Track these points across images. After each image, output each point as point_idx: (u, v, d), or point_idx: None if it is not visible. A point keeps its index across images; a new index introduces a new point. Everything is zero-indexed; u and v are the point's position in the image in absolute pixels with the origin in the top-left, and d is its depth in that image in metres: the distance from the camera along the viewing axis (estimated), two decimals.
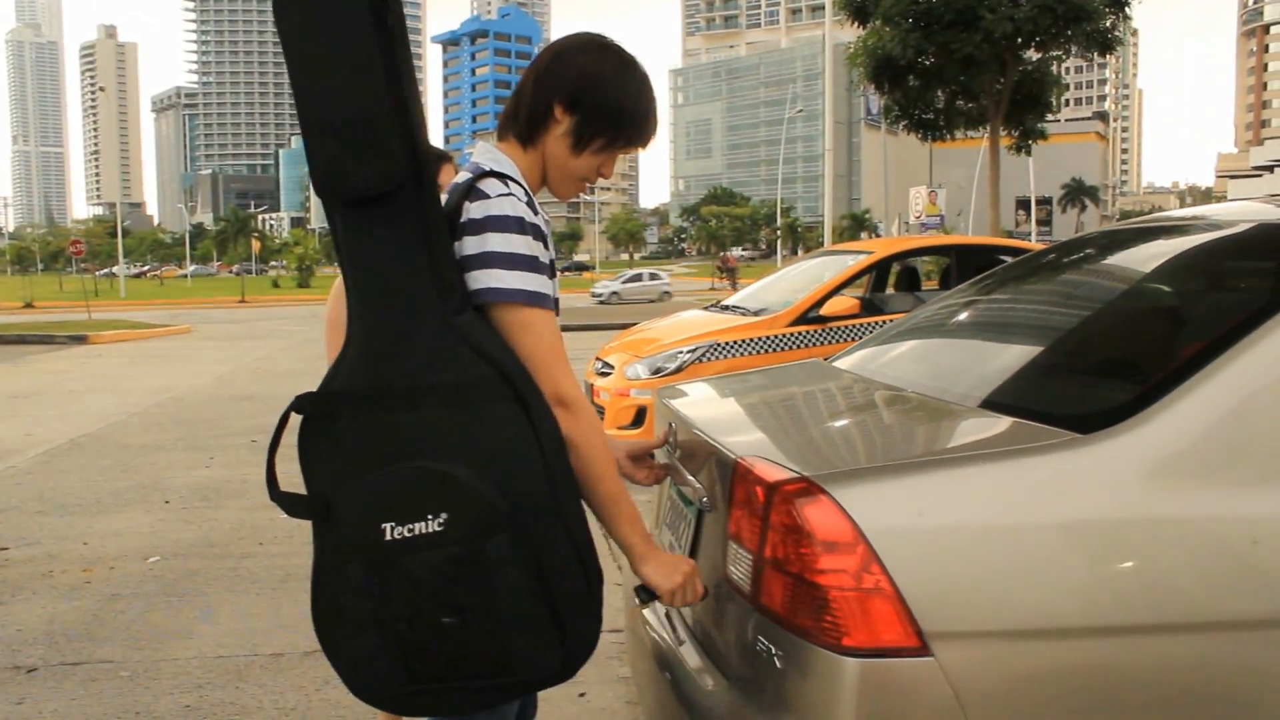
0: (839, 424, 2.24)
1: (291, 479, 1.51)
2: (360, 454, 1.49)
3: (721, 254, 69.93)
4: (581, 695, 3.36)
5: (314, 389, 1.55)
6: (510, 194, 1.59)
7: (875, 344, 2.80)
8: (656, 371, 6.78)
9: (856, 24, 20.22)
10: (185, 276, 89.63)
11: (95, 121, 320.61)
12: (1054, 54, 20.24)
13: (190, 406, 10.82)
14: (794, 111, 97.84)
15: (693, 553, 2.02)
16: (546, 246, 1.63)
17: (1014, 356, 2.28)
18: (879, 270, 8.51)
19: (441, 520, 1.45)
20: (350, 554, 1.49)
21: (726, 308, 8.07)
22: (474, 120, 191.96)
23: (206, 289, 61.10)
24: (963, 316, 2.81)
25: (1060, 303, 2.54)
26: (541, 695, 1.85)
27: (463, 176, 1.66)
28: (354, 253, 1.53)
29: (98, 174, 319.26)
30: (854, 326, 6.88)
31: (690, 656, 1.90)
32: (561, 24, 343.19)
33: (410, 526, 1.45)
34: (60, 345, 19.85)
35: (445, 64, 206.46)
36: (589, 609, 1.56)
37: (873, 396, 2.30)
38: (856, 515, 1.50)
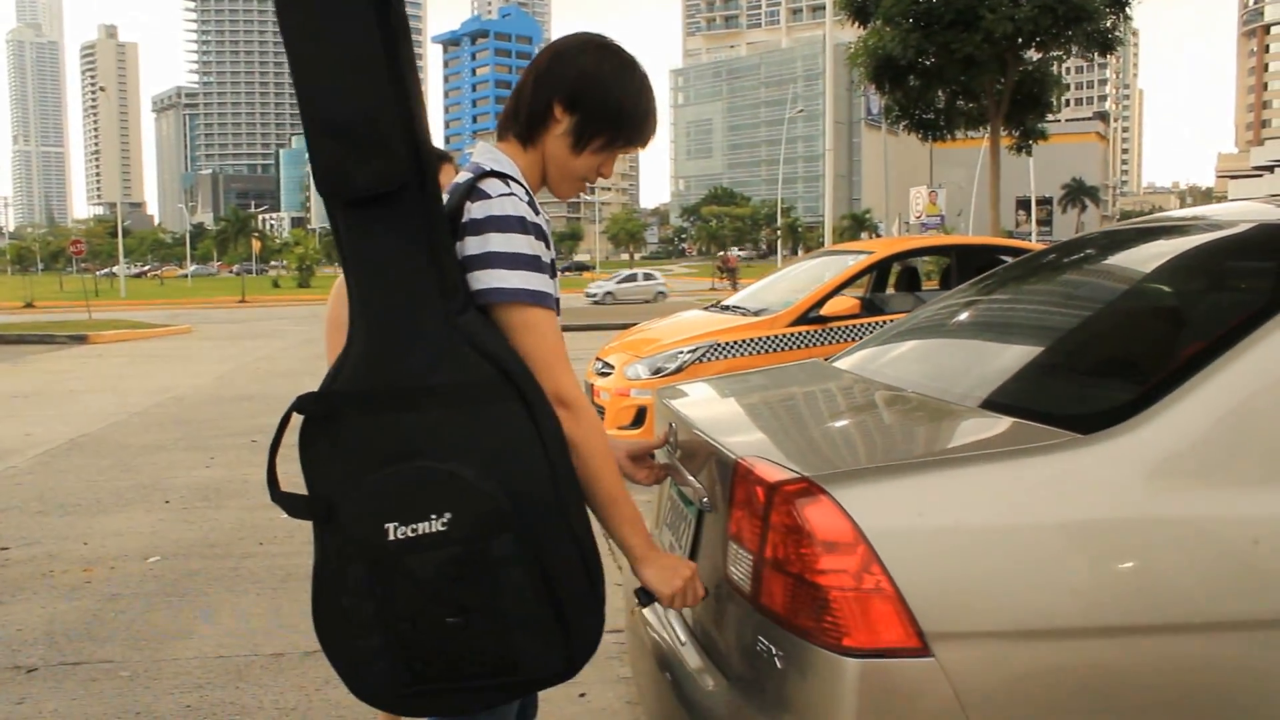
0: (839, 424, 2.24)
1: (292, 479, 1.51)
2: (362, 454, 1.49)
3: (722, 254, 69.95)
4: (582, 695, 3.36)
5: (315, 389, 1.55)
6: (512, 194, 1.59)
7: (876, 344, 2.80)
8: (657, 372, 6.77)
9: (857, 24, 20.24)
10: (186, 276, 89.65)
11: (96, 121, 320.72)
12: (1054, 54, 20.25)
13: (191, 406, 10.82)
14: (794, 111, 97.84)
15: (693, 553, 2.02)
16: (548, 246, 1.63)
17: (1014, 357, 2.28)
18: (879, 270, 8.50)
19: (445, 520, 1.45)
20: (353, 555, 1.48)
21: (727, 308, 8.07)
22: (474, 120, 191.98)
23: (207, 289, 61.12)
24: (963, 317, 2.81)
25: (1061, 303, 2.53)
26: (542, 695, 1.85)
27: (463, 176, 1.66)
28: (356, 252, 1.53)
29: (98, 174, 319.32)
30: (854, 327, 6.87)
31: (691, 657, 1.90)
32: (562, 24, 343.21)
33: (414, 526, 1.45)
34: (60, 345, 19.85)
35: (446, 64, 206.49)
36: (592, 608, 1.56)
37: (873, 397, 2.29)
38: (857, 515, 1.50)
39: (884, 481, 1.58)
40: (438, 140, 1.61)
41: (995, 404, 1.90)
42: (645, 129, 1.74)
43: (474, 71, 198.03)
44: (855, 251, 8.16)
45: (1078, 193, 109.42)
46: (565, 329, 1.65)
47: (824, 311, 6.94)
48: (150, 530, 5.68)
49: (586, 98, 1.67)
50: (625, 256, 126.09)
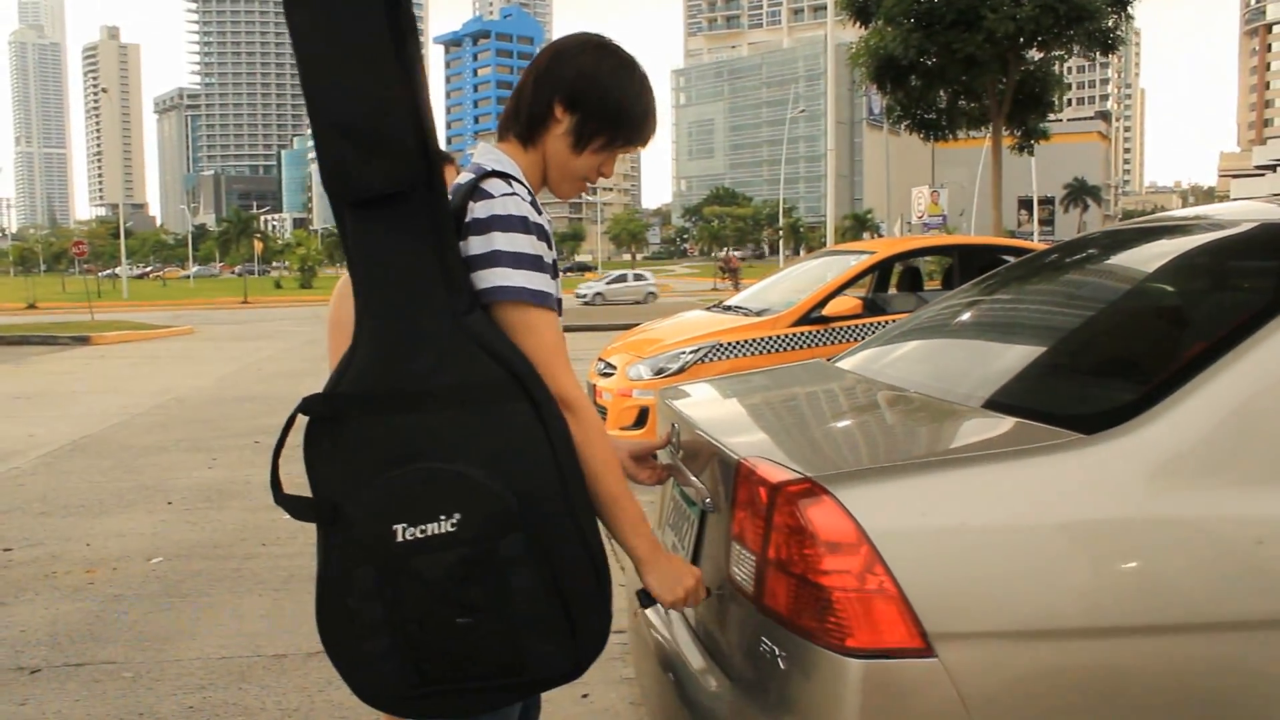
0: (842, 424, 2.24)
1: (295, 480, 1.51)
2: (369, 456, 1.49)
3: (724, 254, 69.92)
4: (585, 696, 3.36)
5: (318, 390, 1.54)
6: (514, 193, 1.59)
7: (878, 344, 2.80)
8: (659, 372, 6.77)
9: (858, 24, 20.22)
10: (188, 277, 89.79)
11: (98, 123, 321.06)
12: (1056, 54, 20.22)
13: (193, 407, 10.83)
14: (796, 112, 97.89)
15: (696, 553, 2.02)
16: (550, 247, 1.63)
17: (1017, 357, 2.28)
18: (881, 270, 8.50)
19: (454, 521, 1.44)
20: (360, 557, 1.48)
21: (729, 308, 8.07)
22: (476, 121, 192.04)
23: (209, 290, 61.15)
24: (965, 317, 2.81)
25: (1063, 303, 2.53)
26: (545, 696, 1.85)
27: (465, 177, 1.66)
28: (363, 252, 1.52)
29: (100, 175, 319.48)
30: (857, 327, 6.87)
31: (694, 657, 1.90)
32: (563, 24, 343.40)
33: (422, 528, 1.44)
34: (63, 346, 19.86)
35: (447, 65, 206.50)
36: (599, 609, 1.56)
37: (876, 397, 2.29)
38: (860, 516, 1.50)
39: (887, 482, 1.58)
40: (440, 141, 1.61)
41: (998, 404, 1.90)
42: (645, 128, 1.74)
43: (475, 72, 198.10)
44: (857, 251, 8.16)
45: (1080, 192, 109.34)
46: (566, 329, 1.65)
47: (826, 312, 6.94)
48: (153, 531, 5.68)
49: (587, 97, 1.67)
50: (627, 257, 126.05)
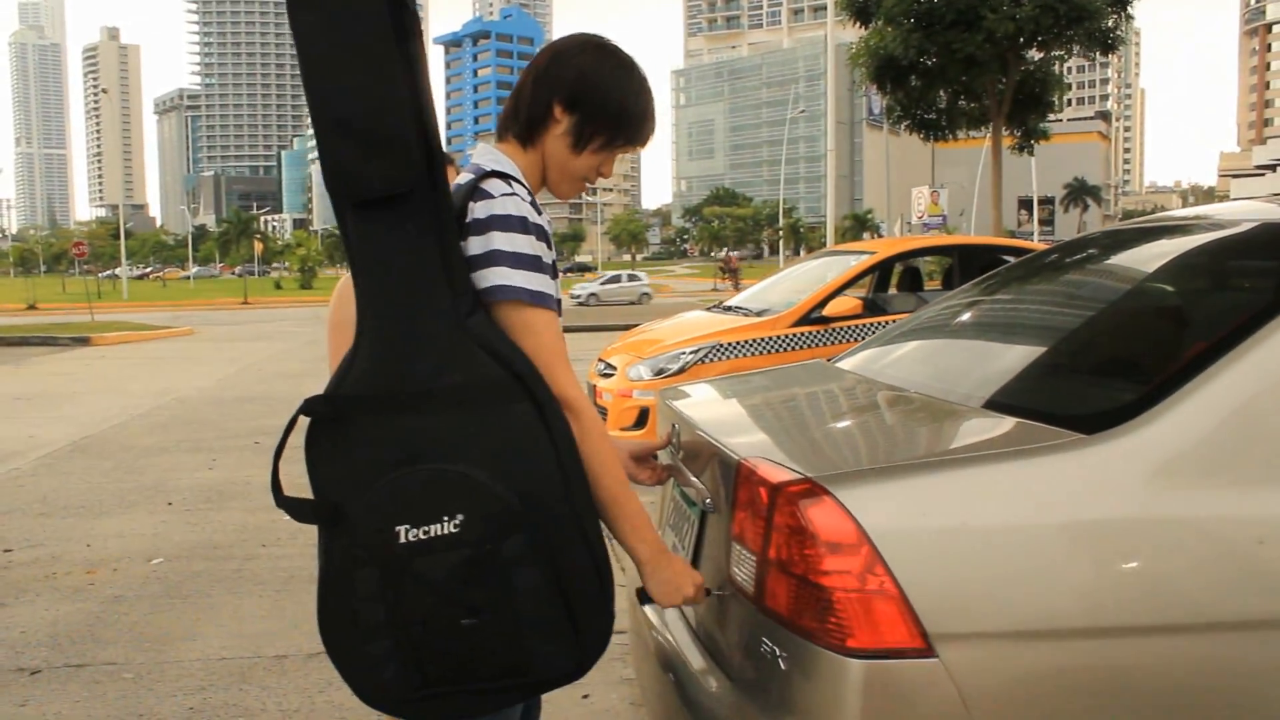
0: (842, 425, 2.24)
1: (295, 481, 1.51)
2: (371, 457, 1.48)
3: (725, 254, 69.94)
4: (585, 697, 3.36)
5: (319, 391, 1.54)
6: (514, 194, 1.59)
7: (878, 345, 2.80)
8: (659, 373, 6.77)
9: (858, 24, 20.22)
10: (188, 278, 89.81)
11: (98, 123, 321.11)
12: (1056, 54, 20.22)
13: (193, 408, 10.83)
14: (796, 112, 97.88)
15: (696, 553, 2.02)
16: (549, 247, 1.63)
17: (1017, 357, 2.28)
18: (882, 271, 8.50)
19: (457, 522, 1.44)
20: (363, 558, 1.47)
21: (729, 308, 8.07)
22: (476, 121, 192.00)
23: (209, 291, 61.15)
24: (966, 317, 2.81)
25: (1063, 303, 2.53)
26: (545, 697, 1.85)
27: (465, 177, 1.66)
28: (365, 253, 1.52)
29: (100, 176, 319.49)
30: (857, 327, 6.87)
31: (694, 658, 1.90)
32: (563, 25, 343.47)
33: (425, 529, 1.44)
34: (63, 347, 19.86)
35: (448, 65, 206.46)
36: (602, 609, 1.56)
37: (876, 397, 2.29)
38: (860, 516, 1.50)
39: (887, 482, 1.58)
40: (440, 141, 1.60)
41: (998, 404, 1.90)
42: (644, 129, 1.75)
43: (476, 73, 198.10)
44: (857, 252, 8.16)
45: (1080, 192, 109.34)
46: (566, 330, 1.65)
47: (826, 312, 6.94)
48: (153, 532, 5.68)
49: (586, 98, 1.67)
50: (627, 257, 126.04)
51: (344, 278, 2.21)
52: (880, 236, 65.85)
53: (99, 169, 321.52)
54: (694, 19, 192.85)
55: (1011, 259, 6.18)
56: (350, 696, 1.57)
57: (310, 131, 1.51)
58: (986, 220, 29.27)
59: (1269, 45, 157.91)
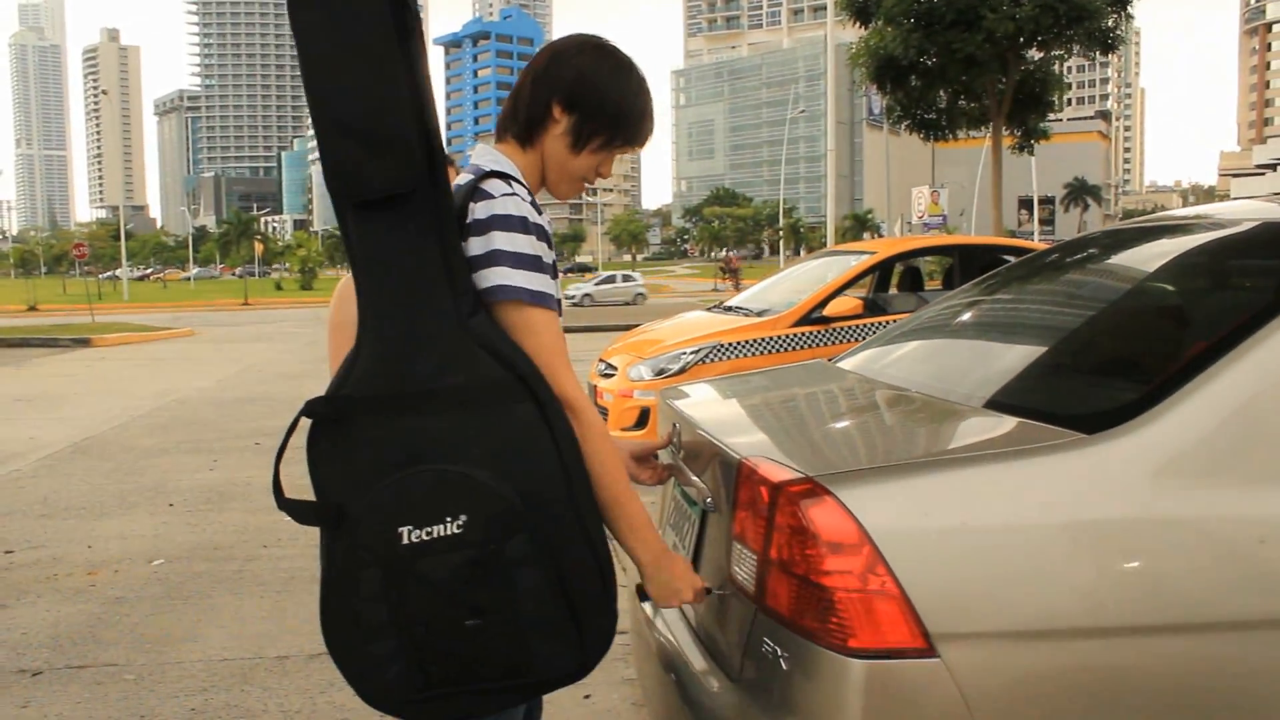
0: (843, 425, 2.24)
1: (296, 482, 1.51)
2: (373, 458, 1.48)
3: (725, 254, 69.96)
4: (587, 697, 3.36)
5: (319, 391, 1.54)
6: (514, 194, 1.59)
7: (879, 344, 2.80)
8: (660, 373, 6.77)
9: (858, 24, 20.23)
10: (188, 279, 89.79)
11: (98, 124, 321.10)
12: (1056, 53, 20.22)
13: (194, 409, 10.83)
14: (796, 112, 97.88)
15: (697, 553, 2.03)
16: (549, 247, 1.63)
17: (1018, 356, 2.28)
18: (882, 270, 8.50)
19: (460, 522, 1.44)
20: (365, 560, 1.47)
21: (730, 309, 8.07)
22: (476, 122, 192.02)
23: (209, 291, 61.14)
24: (966, 317, 2.81)
25: (1064, 302, 2.53)
26: (546, 697, 1.85)
27: (464, 178, 1.66)
28: (366, 254, 1.52)
29: (101, 177, 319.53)
30: (857, 327, 6.87)
31: (696, 658, 1.90)
32: (563, 25, 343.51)
33: (428, 530, 1.44)
34: (64, 348, 19.87)
35: (448, 66, 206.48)
36: (605, 608, 1.56)
37: (877, 397, 2.29)
38: (862, 516, 1.50)
39: (889, 482, 1.58)
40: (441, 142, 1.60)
41: (999, 404, 1.90)
42: (643, 129, 1.75)
43: (475, 73, 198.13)
44: (858, 252, 8.16)
45: (1080, 192, 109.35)
46: (568, 330, 1.65)
47: (827, 312, 6.94)
48: (154, 533, 5.68)
49: (585, 98, 1.68)
50: (627, 258, 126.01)
51: (345, 278, 2.21)
52: (880, 236, 65.86)
53: (99, 170, 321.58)
54: (694, 19, 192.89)
55: (1012, 259, 6.18)
56: (352, 697, 1.57)
57: (310, 132, 1.50)
58: (987, 220, 29.27)
59: (1269, 44, 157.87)
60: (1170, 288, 2.33)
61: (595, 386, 7.17)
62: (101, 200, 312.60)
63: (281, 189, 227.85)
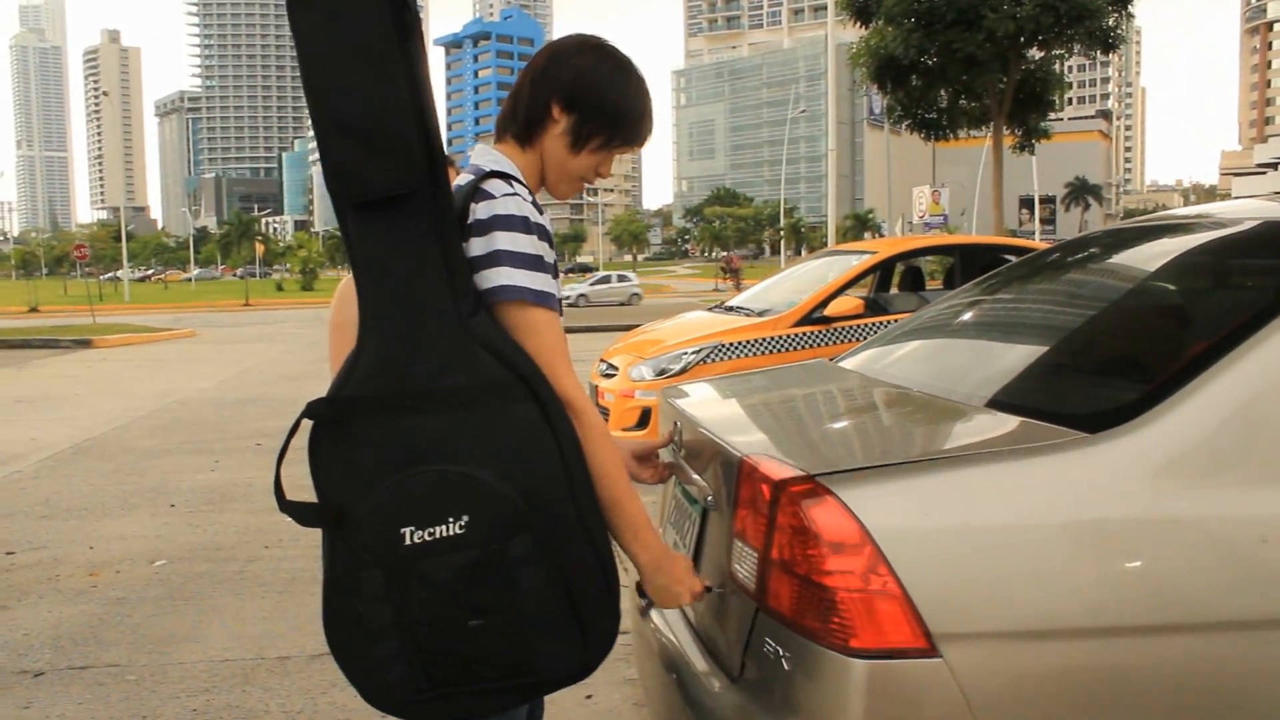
0: (845, 424, 2.24)
1: (297, 482, 1.51)
2: (375, 458, 1.48)
3: (726, 254, 69.97)
4: (588, 697, 3.36)
5: (320, 392, 1.54)
6: (515, 194, 1.59)
7: (880, 344, 2.79)
8: (661, 373, 6.77)
9: (859, 24, 20.24)
10: (189, 280, 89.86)
11: (99, 126, 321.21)
12: (1057, 53, 20.22)
13: (195, 410, 10.83)
14: (797, 112, 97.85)
15: (697, 551, 2.02)
16: (550, 247, 1.63)
17: (1020, 356, 2.27)
18: (883, 270, 8.50)
19: (463, 523, 1.44)
20: (368, 560, 1.47)
21: (731, 309, 8.06)
22: (477, 123, 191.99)
23: (210, 292, 61.18)
24: (968, 316, 2.80)
25: (1065, 302, 2.53)
26: (548, 697, 1.85)
27: (464, 178, 1.66)
28: (366, 255, 1.52)
29: (101, 178, 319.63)
30: (858, 327, 6.87)
31: (697, 658, 1.90)
32: (564, 25, 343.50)
33: (430, 530, 1.44)
34: (65, 349, 19.89)
35: (448, 66, 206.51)
36: (608, 608, 1.56)
37: (878, 396, 2.29)
38: (863, 516, 1.50)
39: (890, 481, 1.58)
40: (442, 142, 1.60)
41: (1001, 403, 1.90)
42: (642, 128, 1.75)
43: (476, 74, 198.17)
44: (858, 251, 8.16)
45: (1081, 191, 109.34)
46: (569, 330, 1.65)
47: (828, 312, 6.93)
48: (155, 534, 5.68)
49: (584, 98, 1.68)
50: (628, 258, 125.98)
51: (345, 279, 2.21)
52: (881, 236, 65.84)
53: (100, 171, 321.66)
54: (694, 19, 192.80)
55: (1013, 258, 6.18)
56: (353, 697, 1.57)
57: (311, 133, 1.50)
58: (988, 219, 29.27)
59: (1270, 43, 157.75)
60: (1172, 287, 2.33)
61: (597, 387, 7.17)
62: (102, 201, 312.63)
63: (282, 190, 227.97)
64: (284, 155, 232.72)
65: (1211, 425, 1.56)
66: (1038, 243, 18.69)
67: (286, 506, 1.52)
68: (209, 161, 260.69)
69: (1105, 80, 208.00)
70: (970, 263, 7.67)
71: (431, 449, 1.47)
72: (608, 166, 1.77)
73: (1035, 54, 20.17)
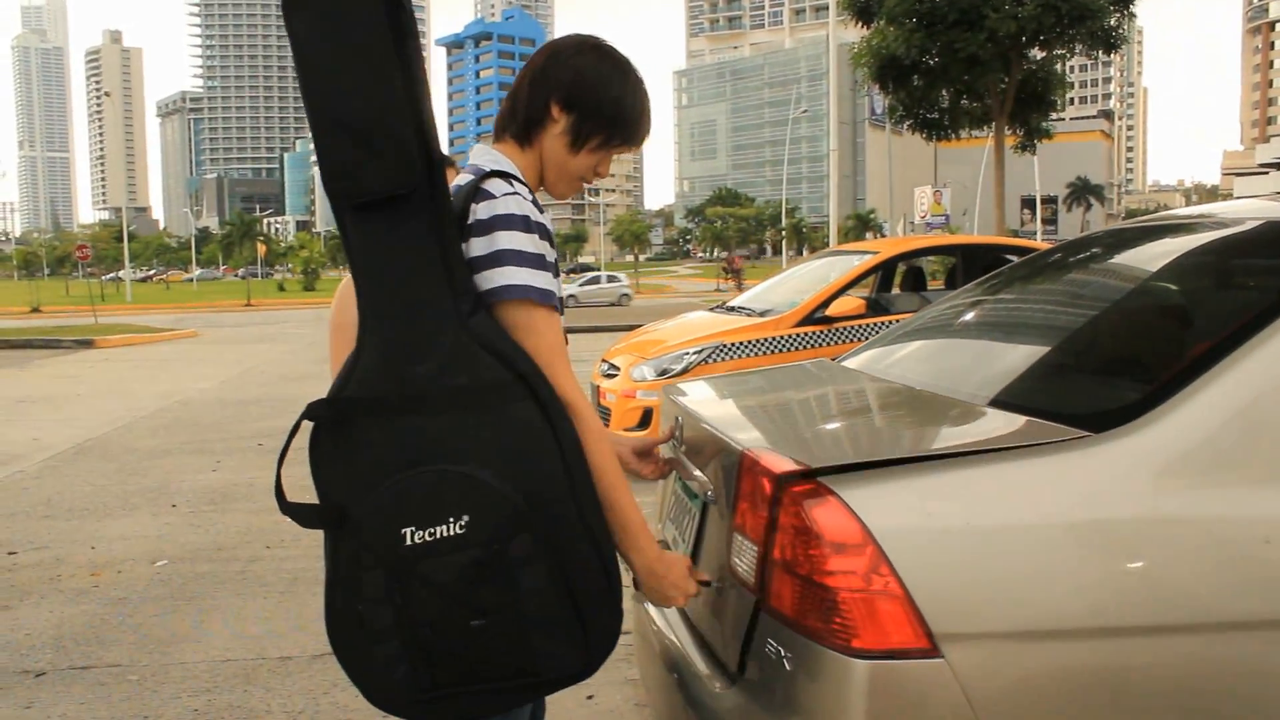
0: (847, 423, 2.24)
1: (299, 482, 1.51)
2: (376, 459, 1.48)
3: (727, 254, 70.01)
4: (589, 698, 3.35)
5: (322, 393, 1.54)
6: (516, 193, 1.59)
7: (882, 344, 2.79)
8: (663, 373, 6.77)
9: (860, 24, 20.23)
10: (191, 280, 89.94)
11: (101, 126, 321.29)
12: (1058, 53, 20.20)
13: (197, 410, 10.84)
14: (798, 112, 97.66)
15: (697, 546, 2.02)
16: (551, 246, 1.63)
17: (1022, 356, 2.27)
18: (885, 270, 8.49)
19: (464, 523, 1.44)
20: (369, 561, 1.47)
21: (732, 309, 8.06)
22: (478, 123, 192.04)
23: (212, 293, 61.22)
24: (970, 316, 2.80)
25: (1067, 302, 2.53)
26: (549, 697, 1.85)
27: (464, 178, 1.66)
28: (366, 256, 1.52)
29: (103, 179, 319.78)
30: (860, 327, 6.87)
31: (698, 659, 1.90)
32: (565, 25, 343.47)
33: (431, 530, 1.44)
34: (67, 349, 19.90)
35: (450, 67, 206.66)
36: (610, 607, 1.55)
37: (881, 395, 2.29)
38: (865, 516, 1.50)
39: (892, 481, 1.57)
40: (442, 143, 1.60)
41: (1004, 403, 1.89)
42: (640, 128, 1.76)
43: (478, 74, 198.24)
44: (860, 252, 8.16)
45: (1083, 191, 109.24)
46: (570, 330, 1.65)
47: (829, 312, 6.93)
48: (157, 534, 5.68)
49: (583, 98, 1.68)
50: (630, 258, 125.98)
51: (346, 280, 2.21)
52: (883, 236, 65.83)
53: (102, 172, 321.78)
54: (696, 19, 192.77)
55: (1015, 258, 6.18)
56: (355, 698, 1.57)
57: (311, 133, 1.50)
58: (989, 219, 29.26)
59: (1272, 43, 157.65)
60: (1174, 287, 2.32)
61: (598, 387, 7.17)
62: (104, 202, 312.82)
63: (284, 190, 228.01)
64: (286, 156, 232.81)
65: (1214, 425, 1.55)
66: (1039, 243, 18.68)
67: (287, 508, 1.52)
68: (211, 162, 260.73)
69: (1107, 80, 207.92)
70: (972, 263, 7.66)
71: (432, 449, 1.47)
72: (606, 166, 1.77)
73: (1037, 54, 20.15)
